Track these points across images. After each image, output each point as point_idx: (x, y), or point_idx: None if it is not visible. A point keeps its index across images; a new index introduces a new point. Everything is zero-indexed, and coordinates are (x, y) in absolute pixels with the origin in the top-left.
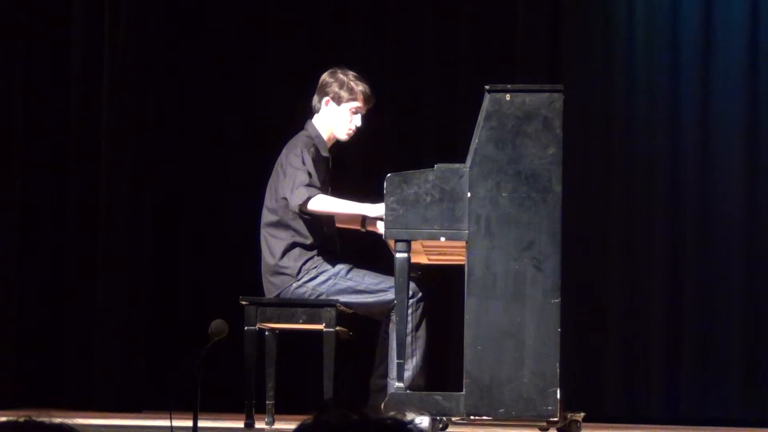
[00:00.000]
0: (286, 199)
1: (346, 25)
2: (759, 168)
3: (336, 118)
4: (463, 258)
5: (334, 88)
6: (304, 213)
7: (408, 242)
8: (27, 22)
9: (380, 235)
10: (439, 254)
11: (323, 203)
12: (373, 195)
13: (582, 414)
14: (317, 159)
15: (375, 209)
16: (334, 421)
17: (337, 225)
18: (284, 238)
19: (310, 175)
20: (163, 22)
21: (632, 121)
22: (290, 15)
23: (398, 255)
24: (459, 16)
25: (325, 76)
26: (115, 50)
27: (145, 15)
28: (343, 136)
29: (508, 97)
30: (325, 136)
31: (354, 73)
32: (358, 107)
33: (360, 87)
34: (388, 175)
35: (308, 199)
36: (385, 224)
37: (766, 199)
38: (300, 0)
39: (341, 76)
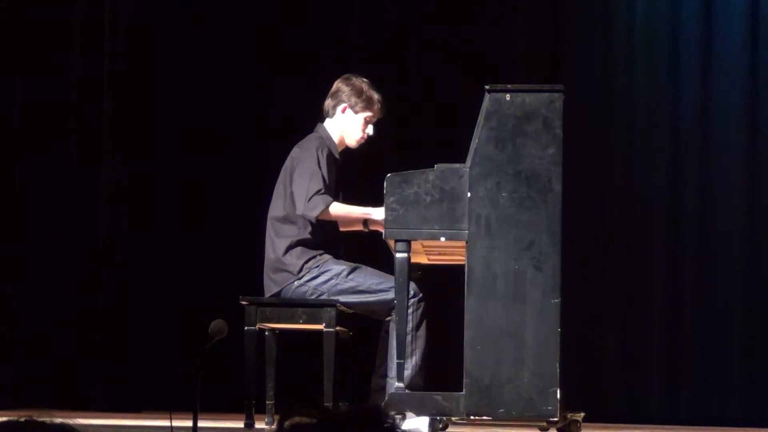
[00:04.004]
0: (297, 200)
1: (347, 25)
2: (759, 167)
3: (350, 126)
4: (463, 258)
5: (352, 96)
6: (319, 221)
7: (408, 242)
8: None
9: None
10: (439, 254)
11: (335, 210)
12: (373, 195)
13: (582, 414)
14: (330, 160)
15: (380, 212)
16: (297, 425)
17: (341, 229)
18: (289, 234)
19: (324, 180)
20: (164, 21)
21: (632, 121)
22: (291, 15)
23: (398, 255)
24: (459, 16)
25: (340, 84)
26: (116, 45)
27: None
28: (354, 143)
29: (508, 97)
30: (336, 140)
31: (367, 81)
32: (373, 116)
33: (376, 97)
34: (388, 175)
35: (325, 208)
36: (385, 224)
37: (766, 199)
38: (301, 0)
39: (358, 84)
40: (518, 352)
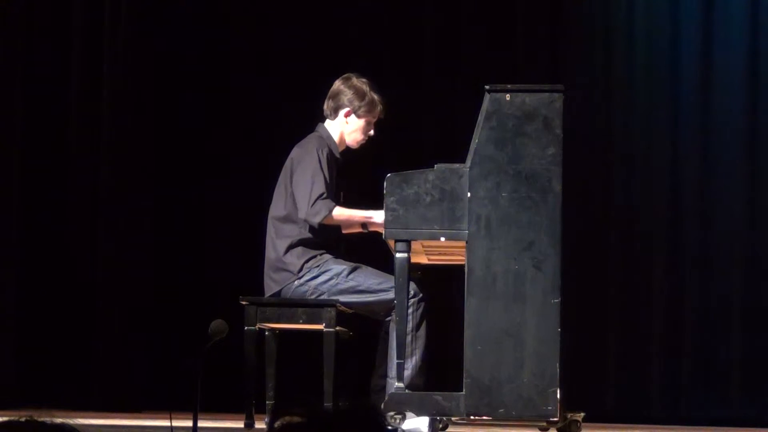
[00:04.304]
0: (299, 203)
1: (346, 25)
2: (759, 168)
3: (353, 129)
4: (463, 258)
5: (354, 100)
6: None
7: (408, 242)
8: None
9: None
10: (439, 254)
11: (338, 215)
12: (373, 195)
13: (582, 414)
14: (330, 159)
15: (381, 215)
16: (288, 425)
17: (343, 232)
18: (290, 234)
19: (326, 182)
20: (164, 17)
21: (632, 121)
22: (290, 15)
23: (398, 255)
24: (459, 16)
25: (341, 86)
26: (116, 44)
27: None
28: (355, 145)
29: (508, 97)
30: (336, 140)
31: (368, 81)
32: (375, 119)
33: (378, 99)
34: (388, 175)
35: (328, 214)
36: (385, 224)
37: (766, 199)
38: (300, 0)
39: (359, 86)
40: (518, 352)
